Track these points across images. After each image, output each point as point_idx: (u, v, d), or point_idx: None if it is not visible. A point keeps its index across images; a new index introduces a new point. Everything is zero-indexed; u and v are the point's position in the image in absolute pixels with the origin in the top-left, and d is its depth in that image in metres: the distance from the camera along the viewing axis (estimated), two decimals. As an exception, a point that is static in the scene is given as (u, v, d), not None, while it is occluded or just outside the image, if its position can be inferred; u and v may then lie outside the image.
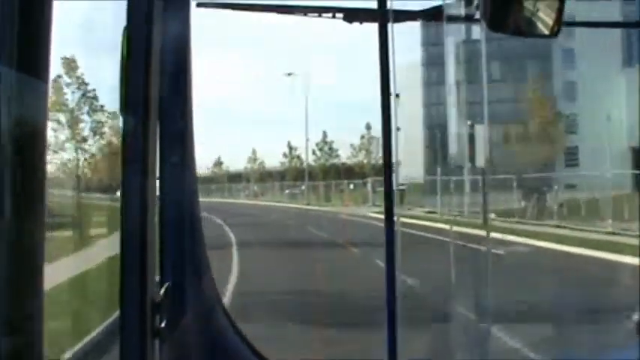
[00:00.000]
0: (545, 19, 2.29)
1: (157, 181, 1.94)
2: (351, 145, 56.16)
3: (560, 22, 2.28)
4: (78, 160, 20.89)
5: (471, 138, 29.22)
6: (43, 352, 1.45)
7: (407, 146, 44.42)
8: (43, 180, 1.42)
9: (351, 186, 48.55)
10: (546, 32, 2.30)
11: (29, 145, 1.37)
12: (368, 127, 54.11)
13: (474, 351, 7.33)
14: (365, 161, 54.54)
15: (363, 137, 54.94)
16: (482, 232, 20.67)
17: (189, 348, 2.18)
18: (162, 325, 1.76)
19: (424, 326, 8.64)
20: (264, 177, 62.18)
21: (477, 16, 2.31)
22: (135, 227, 1.63)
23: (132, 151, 1.64)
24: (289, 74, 50.46)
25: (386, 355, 1.96)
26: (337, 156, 58.31)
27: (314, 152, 57.69)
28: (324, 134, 57.69)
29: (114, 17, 1.87)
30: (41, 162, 1.41)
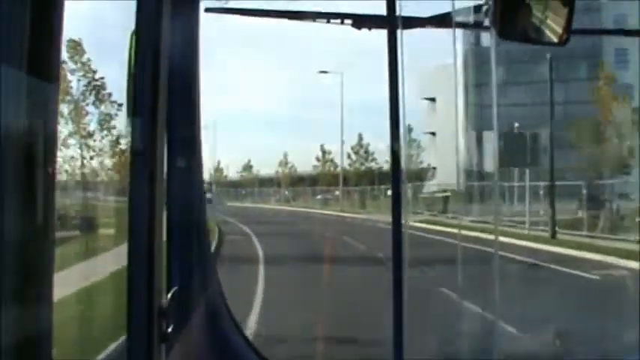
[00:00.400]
0: (554, 26, 2.29)
1: (165, 187, 1.95)
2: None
3: (570, 30, 2.28)
4: (83, 158, 20.34)
5: (534, 139, 28.27)
6: (52, 355, 1.45)
7: (444, 150, 42.18)
8: (53, 182, 1.42)
9: (389, 192, 43.29)
10: (555, 40, 2.29)
11: (39, 147, 1.37)
12: (409, 129, 48.97)
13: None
14: (404, 165, 49.55)
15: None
16: (559, 250, 18.71)
17: (196, 353, 2.18)
18: (169, 330, 1.76)
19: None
20: (296, 182, 60.22)
21: (486, 23, 2.30)
22: (142, 232, 1.63)
23: (139, 156, 1.64)
24: (323, 72, 48.06)
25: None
26: (373, 159, 55.16)
27: (349, 156, 55.06)
28: (360, 137, 54.39)
29: (122, 22, 1.87)
30: (51, 164, 1.41)
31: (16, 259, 1.30)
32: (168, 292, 1.95)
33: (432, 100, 51.32)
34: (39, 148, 1.38)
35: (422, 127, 49.08)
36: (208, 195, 56.16)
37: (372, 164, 55.15)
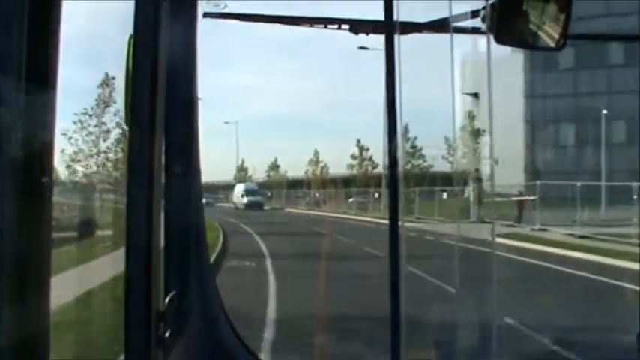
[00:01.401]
0: (551, 31, 2.30)
1: (163, 191, 1.95)
2: (446, 141, 44.33)
3: (566, 35, 2.29)
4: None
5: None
6: (50, 355, 1.46)
7: (500, 147, 37.14)
8: (50, 187, 1.42)
9: (444, 195, 38.97)
10: (552, 45, 2.31)
11: (36, 152, 1.37)
12: (471, 115, 42.66)
13: None
14: (464, 161, 41.88)
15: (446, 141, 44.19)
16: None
17: (194, 357, 2.18)
18: (167, 334, 1.76)
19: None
20: (328, 183, 54.87)
21: (484, 28, 2.31)
22: (140, 237, 1.63)
23: (137, 161, 1.64)
24: (363, 48, 44.15)
25: None
26: (421, 156, 49.07)
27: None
28: (406, 129, 40.31)
29: (120, 27, 1.88)
30: (49, 168, 1.41)
31: (13, 266, 1.30)
32: (165, 296, 1.96)
33: (475, 95, 46.46)
34: (36, 153, 1.38)
35: (465, 124, 43.35)
36: (246, 199, 51.74)
37: (420, 162, 49.33)
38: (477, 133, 42.37)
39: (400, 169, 2.10)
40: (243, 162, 67.12)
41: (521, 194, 31.11)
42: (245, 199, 51.77)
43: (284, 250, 20.55)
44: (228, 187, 63.65)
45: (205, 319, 2.22)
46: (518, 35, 2.30)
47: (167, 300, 1.93)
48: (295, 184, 59.43)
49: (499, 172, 38.83)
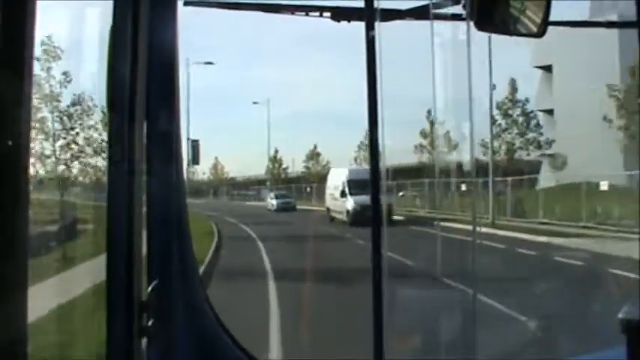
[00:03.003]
0: (531, 18, 2.31)
1: (144, 181, 1.94)
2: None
3: (547, 22, 2.30)
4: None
5: None
6: (28, 352, 1.45)
7: (569, 132, 34.08)
8: (27, 179, 1.41)
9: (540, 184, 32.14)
10: (533, 31, 2.31)
11: (12, 146, 1.35)
12: (526, 101, 35.53)
13: None
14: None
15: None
16: None
17: (176, 347, 2.18)
18: (150, 323, 1.76)
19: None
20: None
21: (464, 14, 2.32)
22: (122, 226, 1.63)
23: (118, 150, 1.63)
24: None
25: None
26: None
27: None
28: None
29: (100, 17, 1.86)
30: (25, 161, 1.40)
31: None
32: (148, 286, 1.95)
33: (548, 68, 41.07)
34: (13, 146, 1.36)
35: (535, 102, 37.55)
36: (280, 201, 43.00)
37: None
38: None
39: (382, 159, 2.10)
40: (276, 152, 58.29)
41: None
42: (275, 201, 43.59)
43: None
44: (261, 183, 58.74)
45: (188, 309, 2.22)
46: (498, 21, 2.31)
47: (150, 289, 1.92)
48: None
49: (572, 160, 35.20)
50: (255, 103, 51.85)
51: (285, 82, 68.47)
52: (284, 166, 58.48)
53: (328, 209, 32.38)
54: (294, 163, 57.33)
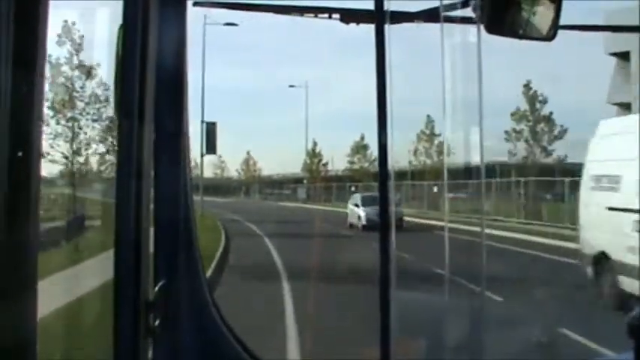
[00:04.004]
0: (542, 21, 2.30)
1: (152, 181, 1.94)
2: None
3: (557, 25, 2.30)
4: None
5: None
6: (37, 353, 1.45)
7: None
8: (38, 179, 1.41)
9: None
10: (543, 35, 2.31)
11: (23, 146, 1.36)
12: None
13: None
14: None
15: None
16: None
17: (182, 347, 2.18)
18: (156, 323, 1.77)
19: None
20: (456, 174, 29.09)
21: (475, 18, 2.31)
22: (129, 226, 1.63)
23: (127, 150, 1.63)
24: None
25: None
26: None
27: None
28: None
29: (109, 16, 1.87)
30: (36, 162, 1.40)
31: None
32: (155, 286, 1.96)
33: (624, 56, 33.39)
34: (25, 145, 1.37)
35: (608, 95, 33.81)
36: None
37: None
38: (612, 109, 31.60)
39: (390, 161, 2.10)
40: (315, 145, 50.45)
41: None
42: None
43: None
44: (298, 181, 53.73)
45: (195, 309, 2.22)
46: (509, 25, 2.30)
47: (156, 290, 1.93)
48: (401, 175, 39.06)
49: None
50: (291, 86, 47.58)
51: (322, 78, 67.58)
52: (323, 161, 50.88)
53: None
54: (334, 161, 50.47)
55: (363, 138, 45.87)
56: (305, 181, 52.68)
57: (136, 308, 1.66)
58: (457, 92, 2.50)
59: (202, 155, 32.16)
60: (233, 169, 62.35)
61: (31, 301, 1.39)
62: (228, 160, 62.42)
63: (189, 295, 2.20)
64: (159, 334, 1.81)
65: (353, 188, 40.64)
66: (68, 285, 8.79)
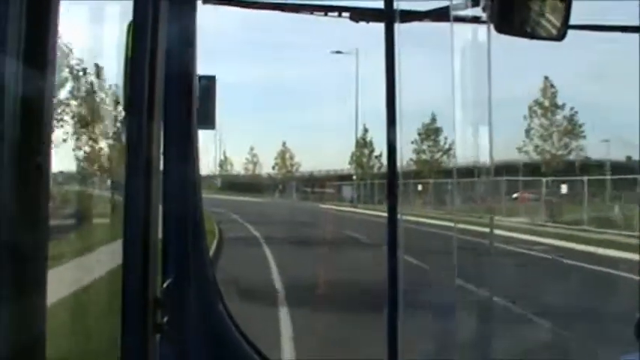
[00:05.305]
0: (551, 21, 2.30)
1: (161, 179, 1.95)
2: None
3: (567, 25, 2.29)
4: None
5: None
6: (45, 353, 1.45)
7: None
8: (47, 178, 1.41)
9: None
10: (553, 34, 2.30)
11: (33, 145, 1.36)
12: None
13: None
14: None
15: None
16: None
17: (190, 343, 2.18)
18: (164, 320, 1.77)
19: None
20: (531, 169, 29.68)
21: (484, 17, 2.31)
22: (138, 224, 1.63)
23: (135, 148, 1.64)
24: (338, 52, 34.74)
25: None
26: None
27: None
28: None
29: (119, 13, 1.87)
30: (46, 161, 1.40)
31: (8, 252, 1.29)
32: (163, 283, 1.96)
33: None
34: (34, 144, 1.37)
35: None
36: None
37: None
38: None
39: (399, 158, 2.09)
40: (365, 132, 40.92)
41: None
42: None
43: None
44: (344, 178, 44.54)
45: (202, 306, 2.23)
46: (518, 24, 2.30)
47: (164, 286, 1.93)
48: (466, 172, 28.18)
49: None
50: (337, 52, 37.76)
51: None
52: (376, 153, 40.28)
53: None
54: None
55: (434, 118, 35.50)
56: (355, 178, 41.82)
57: (144, 305, 1.66)
58: (467, 91, 2.50)
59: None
60: (268, 166, 54.36)
61: (40, 298, 1.40)
62: (261, 154, 55.14)
63: (198, 292, 2.21)
64: (166, 332, 1.81)
65: (420, 187, 33.00)
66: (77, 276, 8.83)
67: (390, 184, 2.14)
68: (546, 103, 34.50)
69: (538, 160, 33.78)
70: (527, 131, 34.17)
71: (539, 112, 34.07)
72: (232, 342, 2.30)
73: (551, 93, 34.32)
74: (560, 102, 34.42)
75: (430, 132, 37.16)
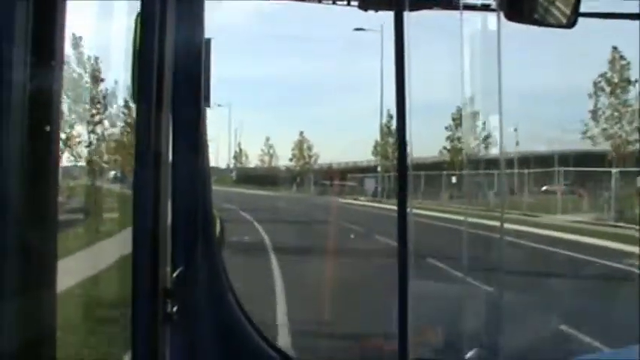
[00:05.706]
0: (562, 9, 2.28)
1: (170, 170, 1.95)
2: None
3: (577, 13, 2.27)
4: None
5: None
6: (55, 351, 1.46)
7: None
8: (57, 172, 1.42)
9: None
10: (563, 22, 2.29)
11: (44, 139, 1.36)
12: None
13: None
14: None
15: None
16: None
17: (200, 333, 2.19)
18: (174, 310, 1.77)
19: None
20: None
21: (494, 5, 2.29)
22: (147, 214, 1.63)
23: (144, 139, 1.64)
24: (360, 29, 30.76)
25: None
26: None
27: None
28: None
29: (127, 6, 1.87)
30: (55, 156, 1.41)
31: (18, 251, 1.29)
32: (172, 273, 1.96)
33: None
34: (44, 139, 1.37)
35: None
36: None
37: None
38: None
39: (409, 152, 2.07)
40: (390, 118, 37.15)
41: None
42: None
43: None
44: (365, 170, 41.85)
45: (212, 296, 2.23)
46: (528, 12, 2.28)
47: (174, 276, 1.93)
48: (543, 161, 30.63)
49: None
50: (359, 29, 32.82)
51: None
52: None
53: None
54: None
55: (473, 100, 33.62)
56: (379, 169, 38.78)
57: (153, 295, 1.67)
58: (476, 80, 2.49)
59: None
60: (285, 158, 50.25)
61: (50, 291, 1.40)
62: (278, 146, 52.18)
63: (207, 282, 2.21)
64: (176, 321, 1.81)
65: (454, 179, 30.62)
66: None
67: (401, 177, 2.13)
68: (615, 79, 29.28)
69: (600, 150, 28.92)
70: (594, 112, 28.97)
71: (608, 89, 28.83)
72: (242, 331, 2.31)
73: (620, 66, 28.87)
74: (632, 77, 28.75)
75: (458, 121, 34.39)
